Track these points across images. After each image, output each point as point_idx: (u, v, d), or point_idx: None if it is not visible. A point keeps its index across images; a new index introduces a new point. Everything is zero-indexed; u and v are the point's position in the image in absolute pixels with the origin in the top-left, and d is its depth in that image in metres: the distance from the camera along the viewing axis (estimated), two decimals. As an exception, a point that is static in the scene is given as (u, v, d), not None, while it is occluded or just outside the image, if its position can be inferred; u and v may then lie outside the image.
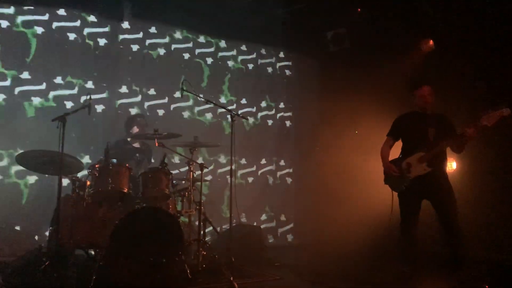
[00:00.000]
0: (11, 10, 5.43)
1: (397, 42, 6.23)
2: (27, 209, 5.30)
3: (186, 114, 6.47)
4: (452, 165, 5.46)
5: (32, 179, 5.30)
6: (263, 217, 6.94)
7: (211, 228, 5.16)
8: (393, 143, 4.53)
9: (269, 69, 7.31)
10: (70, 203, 4.35)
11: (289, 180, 7.31)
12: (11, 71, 5.39)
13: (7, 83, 5.39)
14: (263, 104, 7.20)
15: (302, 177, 7.30)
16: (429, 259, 4.88)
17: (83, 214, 4.34)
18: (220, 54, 6.88)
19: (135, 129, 5.43)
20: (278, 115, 7.34)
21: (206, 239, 4.94)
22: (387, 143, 4.52)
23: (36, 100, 5.44)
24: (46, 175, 5.10)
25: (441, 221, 4.20)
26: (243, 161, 6.87)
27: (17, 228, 5.21)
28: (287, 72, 7.50)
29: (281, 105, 7.38)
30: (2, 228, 5.10)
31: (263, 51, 7.26)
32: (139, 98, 6.14)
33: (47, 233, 4.86)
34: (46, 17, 5.58)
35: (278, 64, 7.42)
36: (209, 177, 6.15)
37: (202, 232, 4.74)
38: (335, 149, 6.60)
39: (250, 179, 6.91)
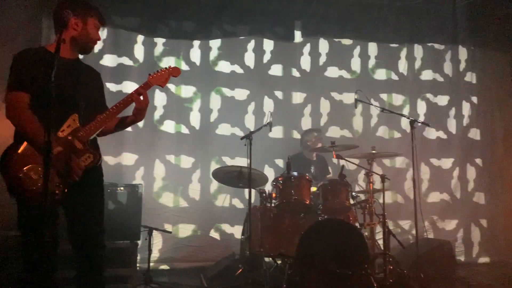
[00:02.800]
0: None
1: None
2: (220, 219, 5.83)
3: (359, 125, 6.36)
4: None
5: (224, 192, 5.81)
6: (451, 232, 6.33)
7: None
8: None
9: (448, 72, 6.62)
10: (259, 213, 4.68)
11: (479, 193, 6.49)
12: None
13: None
14: (444, 111, 6.58)
15: (496, 190, 6.42)
16: None
17: (271, 224, 4.63)
18: (391, 59, 6.58)
19: (312, 143, 5.58)
20: (464, 123, 6.54)
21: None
22: None
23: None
24: (236, 188, 5.58)
25: None
26: (426, 171, 6.39)
27: (214, 236, 5.77)
28: (471, 73, 6.64)
29: (467, 111, 6.59)
30: (199, 235, 5.74)
31: (440, 52, 6.60)
32: (311, 112, 6.27)
33: (239, 241, 5.28)
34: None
35: (459, 65, 6.63)
36: (387, 189, 5.88)
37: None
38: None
39: (434, 192, 6.38)
